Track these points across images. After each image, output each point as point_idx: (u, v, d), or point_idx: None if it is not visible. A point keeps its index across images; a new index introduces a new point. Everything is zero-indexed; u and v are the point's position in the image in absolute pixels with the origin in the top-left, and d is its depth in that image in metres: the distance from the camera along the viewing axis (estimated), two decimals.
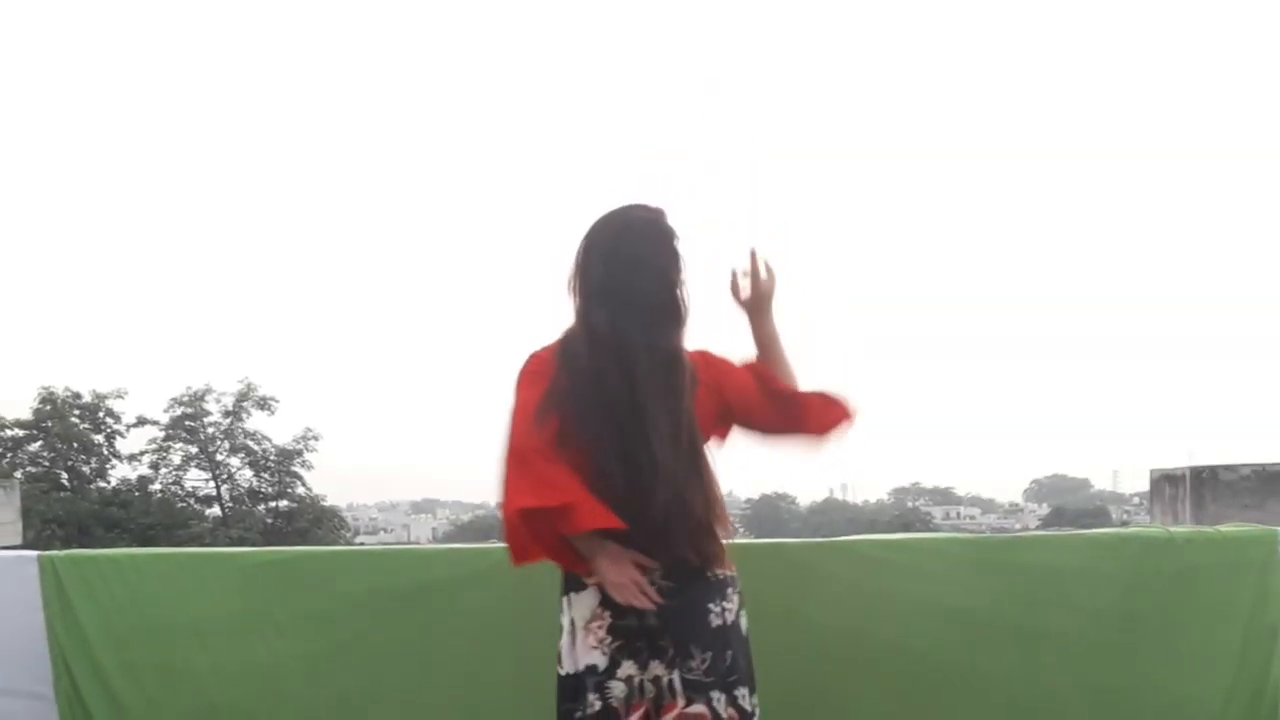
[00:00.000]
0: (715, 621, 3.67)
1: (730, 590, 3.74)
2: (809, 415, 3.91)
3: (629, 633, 3.67)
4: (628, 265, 3.77)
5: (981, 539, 5.19)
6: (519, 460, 3.63)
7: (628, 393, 3.65)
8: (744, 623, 3.78)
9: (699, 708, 3.62)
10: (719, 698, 3.63)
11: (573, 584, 3.78)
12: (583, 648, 3.73)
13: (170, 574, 5.02)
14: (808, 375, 4.02)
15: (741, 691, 3.66)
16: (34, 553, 5.13)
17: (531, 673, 4.53)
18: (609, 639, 3.68)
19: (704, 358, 3.87)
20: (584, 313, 3.78)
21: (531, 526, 3.61)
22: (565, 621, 3.79)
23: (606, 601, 3.67)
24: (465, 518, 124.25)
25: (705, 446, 3.76)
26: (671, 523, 3.63)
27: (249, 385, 54.99)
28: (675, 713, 3.63)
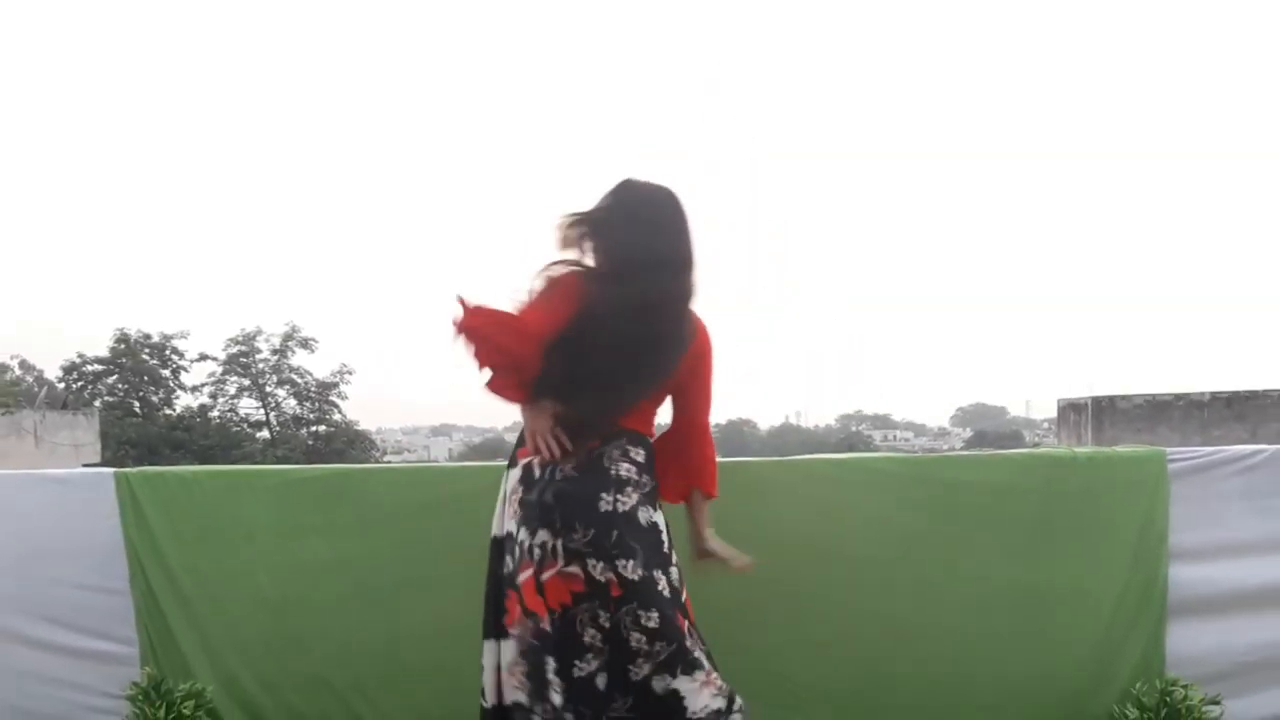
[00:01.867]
0: (604, 508, 3.79)
1: (630, 489, 3.86)
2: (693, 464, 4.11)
3: (529, 505, 3.84)
4: (650, 229, 3.90)
5: (914, 458, 5.22)
6: (513, 333, 3.74)
7: (633, 337, 3.80)
8: (644, 516, 3.87)
9: (575, 569, 3.75)
10: (595, 564, 3.74)
11: (511, 461, 3.99)
12: (506, 516, 3.94)
13: (227, 488, 5.12)
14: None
15: (623, 562, 3.74)
16: (111, 470, 5.21)
17: None
18: (519, 511, 3.86)
19: (707, 341, 4.03)
20: (604, 260, 3.90)
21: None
22: (501, 493, 4.00)
23: (524, 479, 3.88)
24: (476, 440, 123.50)
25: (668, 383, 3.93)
26: (600, 423, 3.86)
27: (293, 327, 55.67)
28: (554, 570, 3.76)
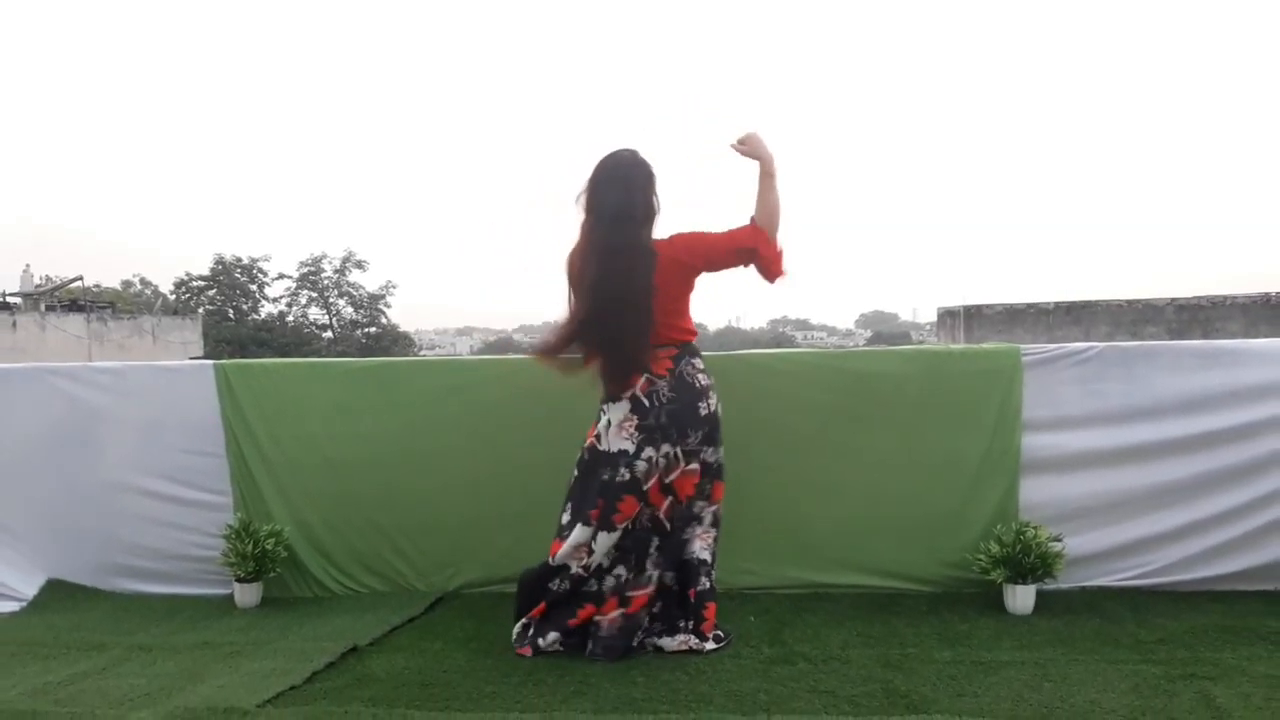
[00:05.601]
0: (704, 411, 3.96)
1: (711, 392, 4.01)
2: (761, 264, 3.99)
3: (648, 429, 3.90)
4: (612, 186, 3.91)
5: (828, 352, 5.20)
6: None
7: (606, 276, 3.83)
8: (720, 409, 4.06)
9: (695, 465, 3.96)
10: (709, 451, 4.00)
11: (611, 398, 3.98)
12: (615, 438, 3.94)
13: (301, 375, 5.14)
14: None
15: (720, 448, 4.06)
16: (211, 362, 5.24)
17: (532, 434, 4.79)
18: (637, 434, 3.90)
19: (669, 241, 3.96)
20: (588, 224, 3.94)
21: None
22: (605, 420, 3.99)
23: (636, 409, 3.91)
24: (491, 339, 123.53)
25: (656, 303, 3.87)
26: (611, 346, 3.90)
27: (350, 252, 56.67)
28: (679, 471, 3.95)
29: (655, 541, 3.97)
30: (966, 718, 3.10)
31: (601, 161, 3.96)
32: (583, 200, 3.94)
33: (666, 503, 3.96)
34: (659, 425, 3.89)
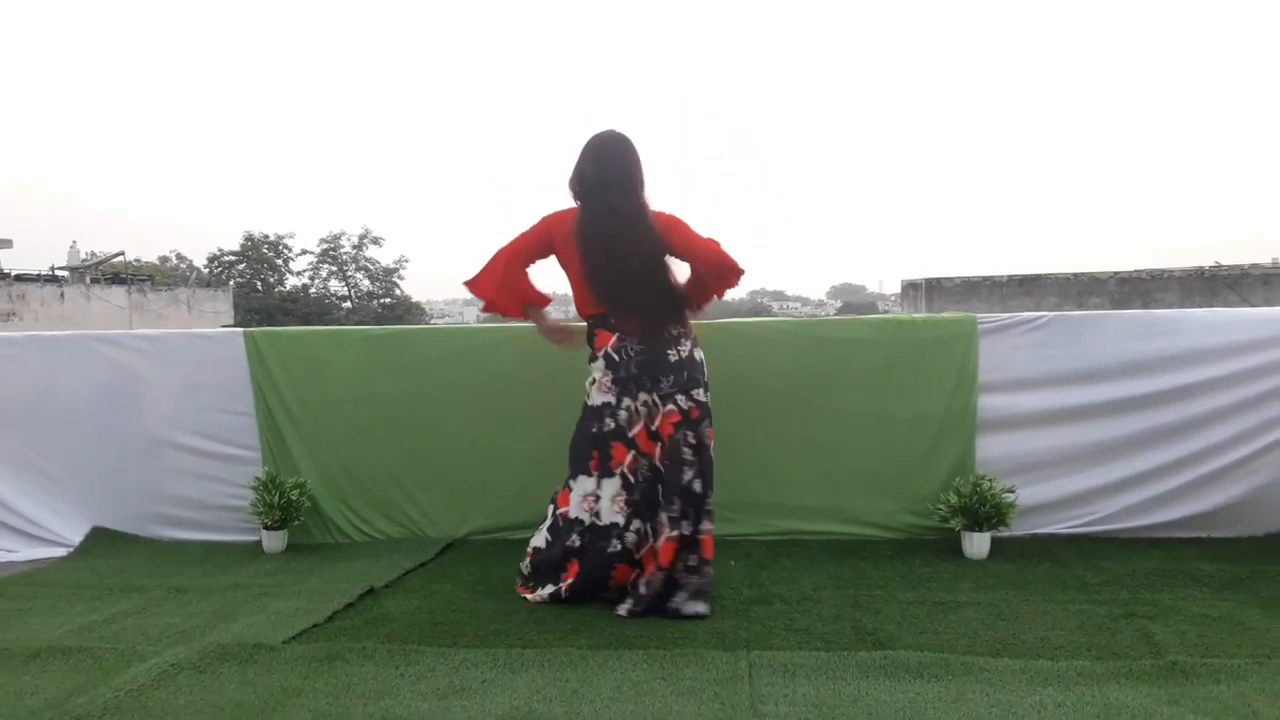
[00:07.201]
0: (673, 358, 3.80)
1: (683, 338, 3.85)
2: (713, 282, 3.89)
3: (622, 382, 3.83)
4: (604, 160, 3.83)
5: (802, 321, 5.20)
6: (497, 259, 3.98)
7: (607, 236, 3.75)
8: (698, 354, 3.90)
9: (671, 407, 3.80)
10: (681, 398, 3.80)
11: (591, 356, 3.94)
12: (597, 393, 3.88)
13: (323, 342, 5.09)
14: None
15: (696, 391, 3.83)
16: (241, 329, 5.22)
17: (532, 393, 4.78)
18: (613, 387, 3.84)
19: (665, 219, 3.85)
20: (583, 194, 3.85)
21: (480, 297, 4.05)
22: (591, 377, 3.92)
23: (609, 364, 3.85)
24: None
25: (657, 266, 3.80)
26: (639, 310, 3.80)
27: (367, 229, 57.20)
28: (660, 415, 3.81)
29: (660, 489, 3.83)
30: (928, 653, 3.09)
31: (597, 136, 3.89)
32: (583, 170, 3.84)
33: (658, 450, 3.84)
34: (631, 376, 3.82)
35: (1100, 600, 3.70)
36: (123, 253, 43.20)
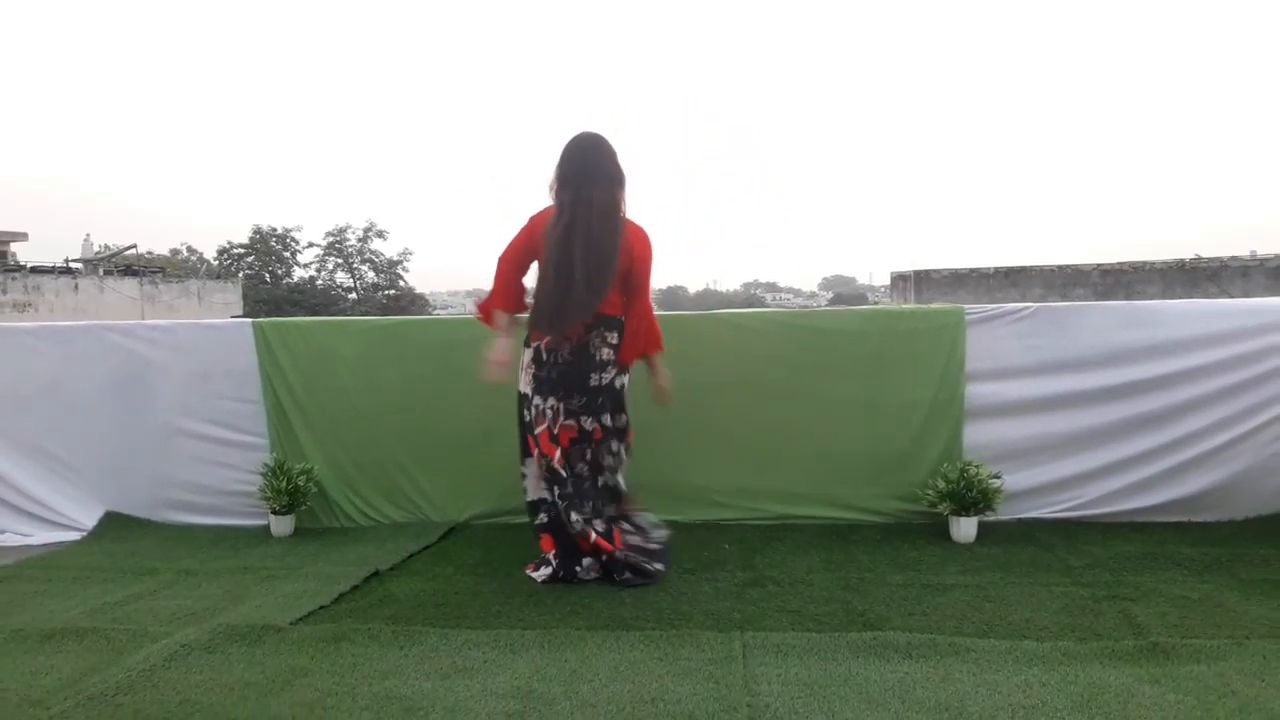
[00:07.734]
0: (593, 383, 3.84)
1: (609, 367, 3.87)
2: (640, 337, 3.94)
3: (540, 380, 3.88)
4: (584, 158, 3.82)
5: (794, 312, 5.18)
6: (499, 272, 3.99)
7: (570, 240, 3.70)
8: (618, 382, 3.90)
9: (571, 422, 3.85)
10: (587, 419, 3.85)
11: (526, 342, 3.94)
12: (522, 381, 3.93)
13: (329, 331, 5.09)
14: None
15: (604, 415, 3.88)
16: (250, 320, 5.19)
17: None
18: (532, 382, 3.89)
19: (638, 234, 3.87)
20: (559, 193, 3.82)
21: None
22: (521, 361, 3.94)
23: (535, 360, 3.90)
24: None
25: (613, 278, 3.75)
26: (580, 309, 3.73)
27: (371, 223, 57.78)
28: (559, 423, 3.85)
29: (592, 481, 3.91)
30: (917, 633, 3.09)
31: (575, 137, 3.87)
32: (565, 169, 3.81)
33: (557, 453, 3.83)
34: (548, 379, 3.85)
35: (1083, 583, 3.69)
36: (135, 245, 43.10)
